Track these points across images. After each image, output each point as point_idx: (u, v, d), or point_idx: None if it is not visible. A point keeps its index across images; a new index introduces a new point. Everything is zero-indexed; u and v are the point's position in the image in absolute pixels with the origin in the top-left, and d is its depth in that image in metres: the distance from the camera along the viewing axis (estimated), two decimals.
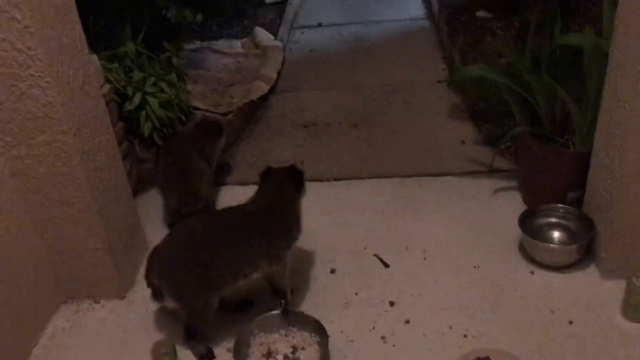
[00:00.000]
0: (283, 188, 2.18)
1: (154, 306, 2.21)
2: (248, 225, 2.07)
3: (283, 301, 2.13)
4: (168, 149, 2.81)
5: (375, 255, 2.50)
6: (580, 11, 3.50)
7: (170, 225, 2.69)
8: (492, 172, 2.94)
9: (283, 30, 4.71)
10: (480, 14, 4.68)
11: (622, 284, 2.14)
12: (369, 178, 3.00)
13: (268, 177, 2.21)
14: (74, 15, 2.10)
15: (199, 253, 1.99)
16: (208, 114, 3.39)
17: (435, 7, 4.94)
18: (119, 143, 2.59)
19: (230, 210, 2.20)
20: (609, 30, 2.31)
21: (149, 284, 2.07)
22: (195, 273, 1.97)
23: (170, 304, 2.04)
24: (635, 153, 2.02)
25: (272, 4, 5.17)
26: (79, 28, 2.14)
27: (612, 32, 2.14)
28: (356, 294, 2.32)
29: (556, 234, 2.46)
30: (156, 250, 2.08)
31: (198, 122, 3.11)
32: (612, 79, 2.11)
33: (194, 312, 2.02)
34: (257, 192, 2.20)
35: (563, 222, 2.46)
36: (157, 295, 2.04)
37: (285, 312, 2.12)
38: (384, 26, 4.97)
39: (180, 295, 2.00)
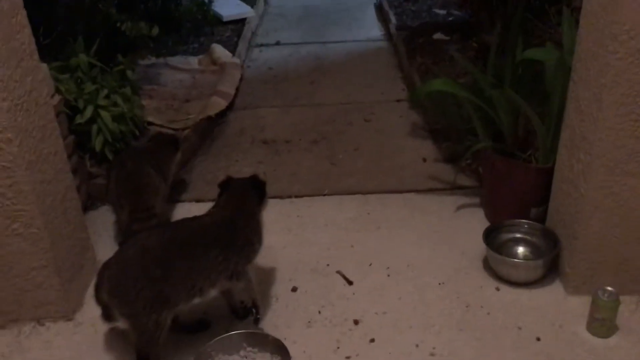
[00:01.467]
0: (244, 199, 2.09)
1: (103, 328, 2.08)
2: (206, 238, 1.97)
3: (254, 310, 2.08)
4: (121, 162, 2.67)
5: (338, 272, 2.42)
6: (536, 33, 3.57)
7: (122, 243, 2.54)
8: (454, 189, 2.92)
9: (241, 47, 4.64)
10: (437, 36, 4.74)
11: (586, 299, 2.13)
12: (330, 195, 2.94)
13: (228, 187, 2.12)
14: (22, 18, 2.01)
15: (152, 268, 1.87)
16: (163, 129, 3.28)
17: (393, 29, 4.97)
18: (69, 157, 2.46)
19: (186, 222, 2.08)
20: (569, 46, 2.33)
21: (99, 301, 1.93)
22: (148, 289, 1.84)
23: (121, 324, 1.90)
24: (600, 166, 2.01)
25: (229, 22, 5.12)
26: (27, 32, 2.04)
27: (573, 48, 2.15)
28: (319, 312, 2.23)
29: (521, 250, 2.43)
30: (107, 265, 1.94)
31: (153, 136, 2.99)
32: (575, 93, 2.11)
33: (145, 332, 1.88)
34: (216, 203, 2.10)
35: (527, 237, 2.44)
36: (107, 314, 1.91)
37: (257, 322, 2.10)
38: (342, 46, 4.96)
39: (131, 313, 1.87)
